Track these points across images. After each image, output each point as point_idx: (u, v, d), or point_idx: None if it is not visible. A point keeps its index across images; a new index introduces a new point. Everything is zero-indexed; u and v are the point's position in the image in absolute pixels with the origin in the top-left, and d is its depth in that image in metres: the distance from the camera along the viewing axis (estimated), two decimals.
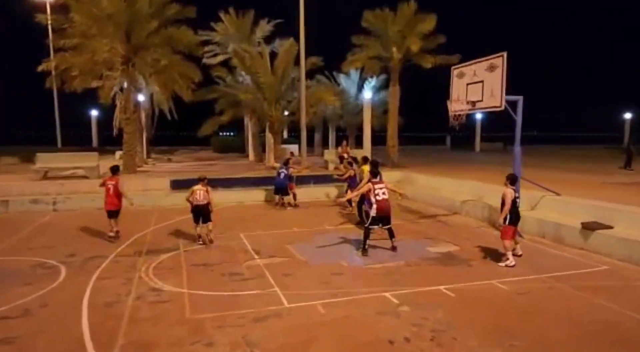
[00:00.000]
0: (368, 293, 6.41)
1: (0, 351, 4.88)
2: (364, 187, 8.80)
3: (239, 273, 7.34)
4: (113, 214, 9.50)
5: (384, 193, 8.41)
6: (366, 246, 8.39)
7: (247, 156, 26.98)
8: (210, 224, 9.20)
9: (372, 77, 26.09)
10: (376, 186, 8.45)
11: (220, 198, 14.24)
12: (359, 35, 20.58)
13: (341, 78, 30.49)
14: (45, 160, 16.13)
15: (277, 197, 13.60)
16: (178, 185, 14.73)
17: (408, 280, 7.00)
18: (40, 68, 16.96)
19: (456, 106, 10.50)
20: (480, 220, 11.64)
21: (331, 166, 19.63)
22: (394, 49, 19.92)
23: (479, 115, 36.82)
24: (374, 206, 8.35)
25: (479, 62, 10.05)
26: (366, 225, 8.50)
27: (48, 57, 17.76)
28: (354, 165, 12.69)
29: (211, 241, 9.21)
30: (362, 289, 6.56)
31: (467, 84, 10.46)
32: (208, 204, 9.09)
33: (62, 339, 5.12)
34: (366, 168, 10.94)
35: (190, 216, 9.24)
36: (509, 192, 7.80)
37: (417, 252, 8.59)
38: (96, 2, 16.27)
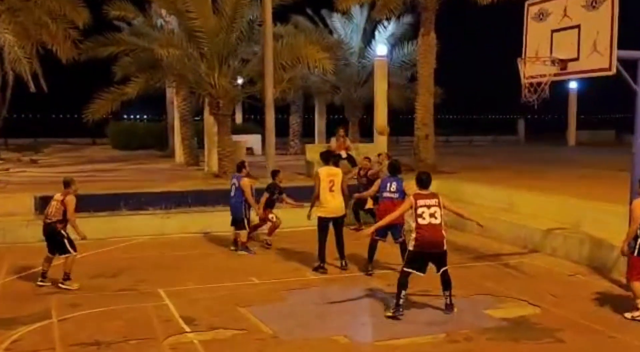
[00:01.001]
0: None
1: None
2: (404, 205, 9.03)
3: None
4: None
5: (433, 215, 8.44)
6: (401, 302, 8.47)
7: (173, 155, 26.94)
8: (69, 257, 10.04)
9: (388, 19, 26.34)
10: (420, 202, 8.52)
11: (125, 228, 14.15)
12: None
13: (336, 21, 30.63)
14: None
15: (235, 232, 13.27)
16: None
17: None
18: None
19: (534, 68, 10.64)
20: (576, 262, 11.77)
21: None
22: None
23: (573, 85, 37.35)
24: (413, 235, 8.47)
25: None
26: (403, 267, 8.69)
27: None
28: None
29: (64, 284, 9.95)
30: None
31: (553, 31, 10.59)
32: (59, 222, 9.90)
33: None
34: (325, 171, 11.25)
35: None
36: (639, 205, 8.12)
37: (469, 317, 8.65)
38: None
